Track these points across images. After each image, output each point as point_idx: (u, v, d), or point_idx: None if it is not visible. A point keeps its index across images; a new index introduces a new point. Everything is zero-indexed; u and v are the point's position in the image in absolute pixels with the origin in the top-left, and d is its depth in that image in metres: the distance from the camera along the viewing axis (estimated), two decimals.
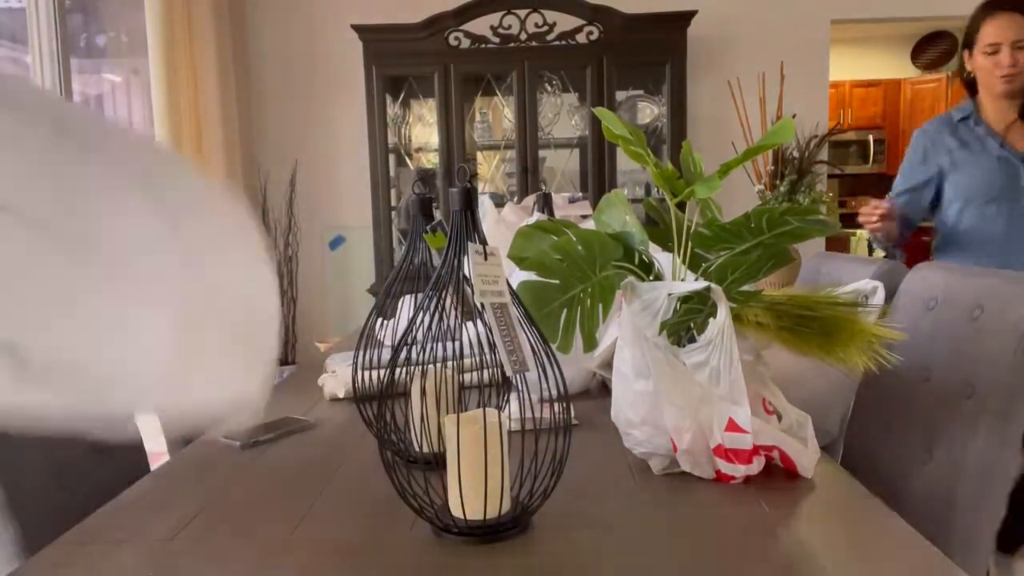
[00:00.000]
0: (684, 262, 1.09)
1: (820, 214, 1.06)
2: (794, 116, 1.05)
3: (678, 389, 1.03)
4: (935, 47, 6.40)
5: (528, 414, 1.25)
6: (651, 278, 1.10)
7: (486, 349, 0.86)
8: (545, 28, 3.55)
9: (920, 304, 1.43)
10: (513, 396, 1.36)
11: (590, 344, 1.10)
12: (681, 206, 1.09)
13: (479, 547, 0.87)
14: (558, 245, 1.08)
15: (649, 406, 1.06)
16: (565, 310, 1.09)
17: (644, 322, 1.05)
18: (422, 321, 0.88)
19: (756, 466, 1.03)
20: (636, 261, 1.10)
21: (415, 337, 0.89)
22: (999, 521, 1.14)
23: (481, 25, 3.54)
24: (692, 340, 1.10)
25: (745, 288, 1.15)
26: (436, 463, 1.06)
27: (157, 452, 1.53)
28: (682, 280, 1.10)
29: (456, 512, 0.88)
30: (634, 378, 1.08)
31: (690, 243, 1.08)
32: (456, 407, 1.02)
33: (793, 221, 1.03)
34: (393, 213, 3.77)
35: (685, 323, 1.09)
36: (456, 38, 3.57)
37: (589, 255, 1.08)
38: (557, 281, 1.09)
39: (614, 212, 1.16)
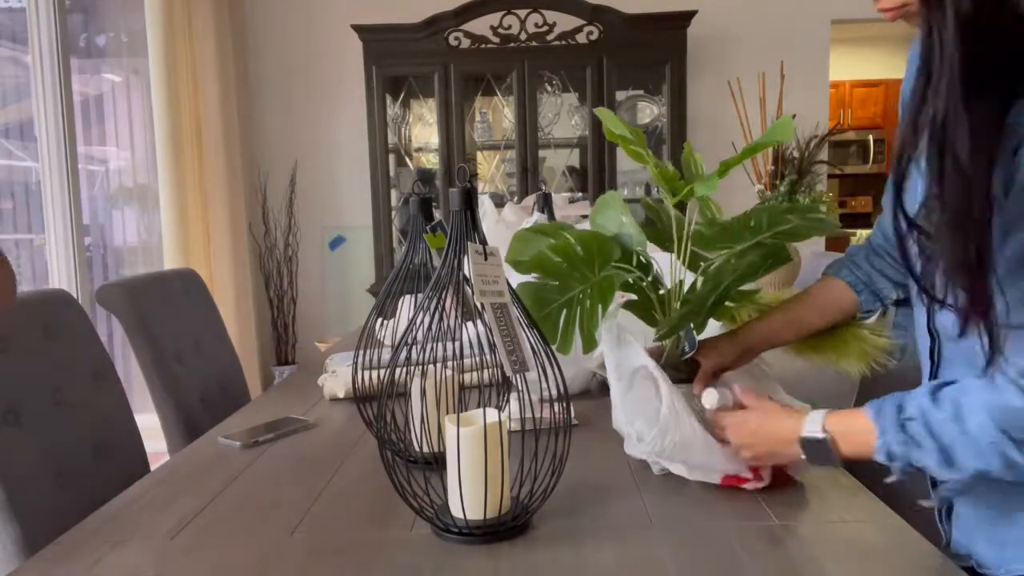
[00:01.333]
0: (683, 262, 1.09)
1: (821, 213, 1.05)
2: (794, 116, 1.04)
3: (678, 427, 1.01)
4: None
5: (528, 414, 1.25)
6: (650, 279, 1.10)
7: (486, 349, 0.86)
8: (545, 28, 3.55)
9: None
10: (513, 396, 1.36)
11: (590, 344, 1.09)
12: (681, 206, 1.09)
13: (479, 547, 0.87)
14: (556, 246, 1.08)
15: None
16: (564, 311, 1.09)
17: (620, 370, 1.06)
18: (422, 321, 0.88)
19: (766, 475, 1.02)
20: (634, 262, 1.10)
21: (415, 337, 0.89)
22: None
23: (481, 25, 3.54)
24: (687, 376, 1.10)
25: (745, 288, 1.15)
26: (436, 463, 1.06)
27: (157, 452, 1.53)
28: (681, 280, 1.09)
29: (456, 512, 0.88)
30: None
31: (689, 243, 1.08)
32: (456, 407, 1.02)
33: (793, 219, 1.02)
34: (393, 213, 3.77)
35: (683, 326, 1.08)
36: (456, 38, 3.57)
37: (588, 256, 1.08)
38: (556, 282, 1.09)
39: (610, 214, 1.15)
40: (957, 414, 0.77)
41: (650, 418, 1.01)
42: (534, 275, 1.10)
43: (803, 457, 0.91)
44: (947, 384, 0.81)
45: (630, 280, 1.09)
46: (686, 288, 1.09)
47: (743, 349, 1.14)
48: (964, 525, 0.93)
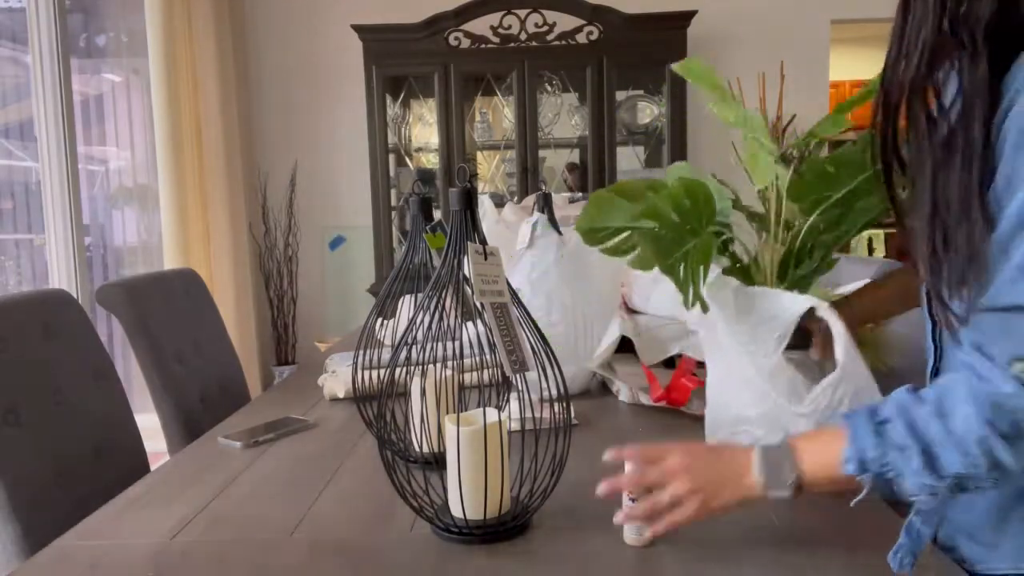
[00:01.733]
0: (775, 228, 1.01)
1: None
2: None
3: (855, 372, 0.92)
4: None
5: (528, 414, 1.25)
6: (733, 247, 1.05)
7: (486, 349, 0.86)
8: (545, 28, 3.55)
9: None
10: (513, 396, 1.36)
11: (704, 306, 1.01)
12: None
13: (479, 547, 0.87)
14: (669, 194, 0.99)
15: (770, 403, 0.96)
16: (682, 264, 1.00)
17: (757, 336, 0.94)
18: (422, 321, 0.88)
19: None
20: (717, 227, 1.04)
21: (415, 337, 0.89)
22: None
23: (481, 25, 3.54)
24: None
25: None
26: (436, 463, 1.06)
27: (157, 452, 1.53)
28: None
29: (456, 512, 0.88)
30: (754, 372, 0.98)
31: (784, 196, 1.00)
32: (456, 407, 1.02)
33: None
34: (393, 213, 3.77)
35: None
36: (456, 38, 3.57)
37: (696, 208, 0.99)
38: (671, 234, 1.01)
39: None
40: (940, 409, 0.71)
41: (797, 387, 0.92)
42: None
43: (759, 478, 0.78)
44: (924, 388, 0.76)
45: (722, 242, 1.02)
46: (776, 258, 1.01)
47: (857, 318, 1.08)
48: (950, 523, 0.92)
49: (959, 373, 0.73)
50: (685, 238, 1.00)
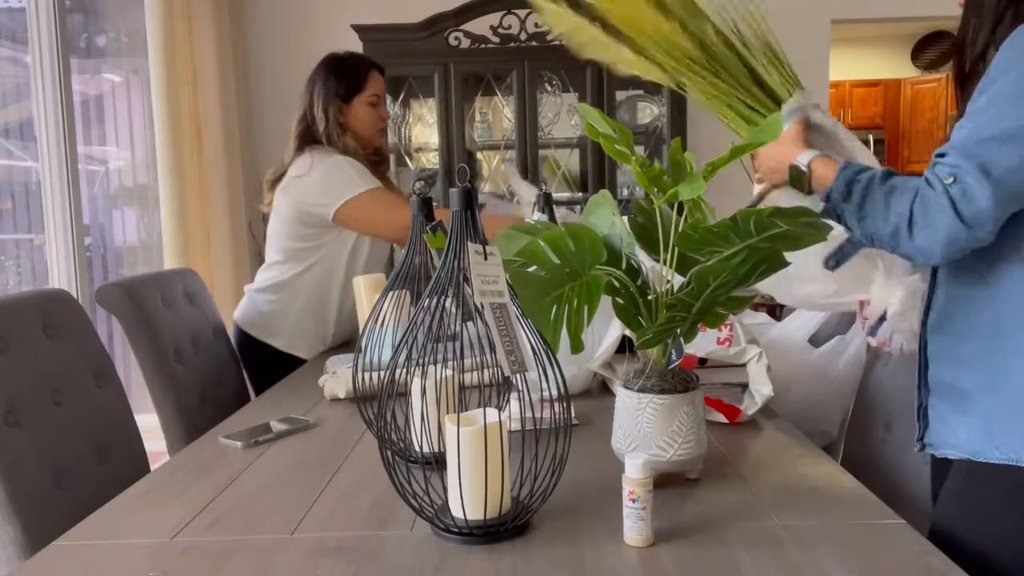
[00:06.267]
0: (671, 266, 1.05)
1: (812, 216, 1.02)
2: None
3: None
4: (935, 47, 6.40)
5: (528, 414, 1.25)
6: (638, 283, 1.06)
7: (486, 349, 0.86)
8: (545, 28, 3.55)
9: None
10: (513, 396, 1.36)
11: (576, 346, 1.04)
12: (676, 207, 1.06)
13: (479, 547, 0.87)
14: (549, 237, 1.03)
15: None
16: (554, 307, 1.03)
17: None
18: (422, 321, 0.88)
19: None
20: (623, 265, 1.06)
21: (415, 337, 0.89)
22: None
23: (481, 25, 3.54)
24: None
25: (739, 293, 1.11)
26: (436, 463, 1.06)
27: (157, 452, 1.53)
28: (669, 287, 1.05)
29: (456, 512, 0.88)
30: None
31: (676, 247, 1.03)
32: (456, 407, 1.02)
33: (781, 224, 0.99)
34: None
35: (668, 333, 1.05)
36: (456, 38, 3.57)
37: (580, 251, 1.03)
38: (547, 275, 1.03)
39: (602, 214, 1.12)
40: (891, 193, 1.00)
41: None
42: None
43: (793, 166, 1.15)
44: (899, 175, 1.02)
45: (615, 283, 1.05)
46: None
47: None
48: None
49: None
50: (563, 280, 1.04)
